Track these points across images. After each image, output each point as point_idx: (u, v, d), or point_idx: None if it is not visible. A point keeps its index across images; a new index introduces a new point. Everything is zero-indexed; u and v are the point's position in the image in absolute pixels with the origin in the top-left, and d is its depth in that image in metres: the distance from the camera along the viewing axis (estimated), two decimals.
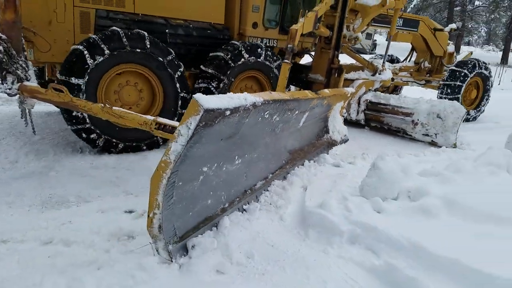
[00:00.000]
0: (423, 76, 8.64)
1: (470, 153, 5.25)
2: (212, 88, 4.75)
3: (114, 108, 3.40)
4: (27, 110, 3.88)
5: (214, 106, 2.13)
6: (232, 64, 4.81)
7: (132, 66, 4.25)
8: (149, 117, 3.37)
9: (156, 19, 4.72)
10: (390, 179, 3.15)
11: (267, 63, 5.17)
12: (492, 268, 2.22)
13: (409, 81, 8.67)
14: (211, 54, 4.95)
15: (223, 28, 5.23)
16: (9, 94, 3.62)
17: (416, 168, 3.79)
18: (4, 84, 3.60)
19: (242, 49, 4.91)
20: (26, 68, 3.66)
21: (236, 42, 5.03)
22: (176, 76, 4.48)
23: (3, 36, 3.56)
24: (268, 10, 5.42)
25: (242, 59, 4.91)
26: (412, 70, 8.67)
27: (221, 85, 4.76)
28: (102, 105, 3.42)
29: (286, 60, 4.27)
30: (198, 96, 2.10)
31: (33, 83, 3.67)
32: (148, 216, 2.19)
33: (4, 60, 3.56)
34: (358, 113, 6.42)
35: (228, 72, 4.81)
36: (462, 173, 3.56)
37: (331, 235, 2.74)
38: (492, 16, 36.28)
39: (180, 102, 4.59)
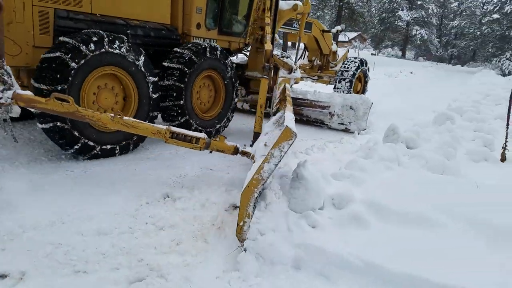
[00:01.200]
0: (315, 72, 10.08)
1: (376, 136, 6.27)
2: (178, 84, 4.92)
3: (124, 118, 3.47)
4: (8, 118, 3.49)
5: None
6: (197, 61, 5.02)
7: (110, 69, 4.20)
8: (161, 126, 3.58)
9: (116, 19, 4.66)
10: (316, 188, 3.05)
11: (222, 62, 5.54)
12: (446, 277, 2.26)
13: (304, 77, 10.00)
14: (176, 50, 5.08)
15: (173, 29, 5.41)
16: (1, 104, 3.24)
17: (328, 169, 4.02)
18: None
19: (207, 47, 5.19)
20: (9, 74, 3.34)
21: (199, 42, 5.28)
22: (150, 77, 4.57)
23: None
24: (209, 12, 5.76)
25: (205, 57, 5.18)
26: (307, 67, 10.05)
27: (186, 80, 4.97)
28: (112, 115, 3.44)
29: (265, 76, 4.82)
30: (290, 124, 2.59)
31: (27, 91, 3.37)
32: (238, 224, 2.58)
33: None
34: None
35: (193, 69, 5.02)
36: (367, 172, 3.82)
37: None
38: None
39: (152, 104, 4.68)
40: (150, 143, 4.97)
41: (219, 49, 5.43)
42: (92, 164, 4.12)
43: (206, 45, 5.23)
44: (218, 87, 5.68)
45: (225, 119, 5.84)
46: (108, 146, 4.29)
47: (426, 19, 45.57)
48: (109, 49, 4.05)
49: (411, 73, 25.52)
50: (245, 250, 2.55)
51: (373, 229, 2.81)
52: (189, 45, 5.15)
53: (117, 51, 4.13)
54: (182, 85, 4.94)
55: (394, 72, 23.97)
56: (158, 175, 3.99)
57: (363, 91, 9.86)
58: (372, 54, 47.32)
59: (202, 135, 3.69)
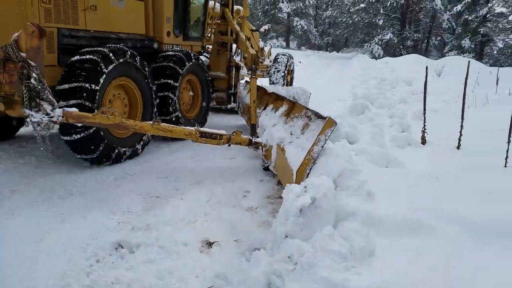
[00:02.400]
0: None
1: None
2: (172, 82, 5.39)
3: (161, 124, 3.93)
4: (46, 134, 3.58)
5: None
6: (186, 62, 5.58)
7: (125, 79, 4.53)
8: (191, 128, 4.13)
9: (109, 34, 4.87)
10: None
11: (201, 66, 6.14)
12: None
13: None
14: (167, 53, 5.59)
15: (152, 38, 5.72)
16: (54, 122, 3.37)
17: None
18: (40, 113, 3.32)
19: (190, 53, 5.80)
20: (51, 93, 3.48)
21: (182, 49, 5.81)
22: (154, 86, 5.01)
23: (33, 63, 3.28)
24: (175, 21, 6.19)
25: (191, 61, 5.76)
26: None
27: (180, 79, 5.48)
28: (151, 122, 3.87)
29: (254, 76, 5.57)
30: (331, 114, 3.40)
31: (73, 108, 3.54)
32: None
33: (38, 87, 3.30)
34: None
35: (185, 68, 5.56)
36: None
37: None
38: None
39: (155, 109, 5.06)
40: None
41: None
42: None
43: (189, 51, 5.75)
44: (196, 89, 6.19)
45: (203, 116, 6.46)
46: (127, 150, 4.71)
47: (303, 11, 49.67)
48: (129, 60, 4.44)
49: (300, 62, 27.88)
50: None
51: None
52: (177, 51, 5.66)
53: (135, 63, 4.46)
54: (176, 84, 5.46)
55: None
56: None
57: (291, 82, 11.06)
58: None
59: (223, 132, 4.29)
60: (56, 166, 4.40)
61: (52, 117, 3.37)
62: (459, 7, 28.00)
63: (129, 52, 4.56)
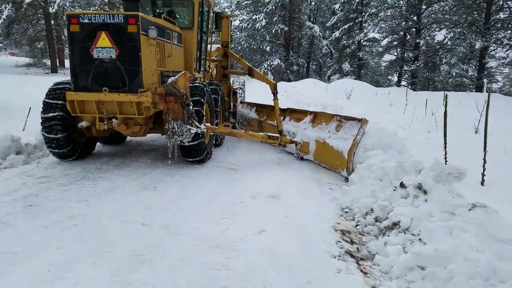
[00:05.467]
0: None
1: None
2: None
3: (249, 131, 5.70)
4: (176, 144, 5.10)
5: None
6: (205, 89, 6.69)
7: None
8: (262, 134, 6.14)
9: (172, 72, 6.04)
10: None
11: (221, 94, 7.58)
12: None
13: None
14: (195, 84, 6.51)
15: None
16: (202, 132, 5.29)
17: None
18: (194, 126, 5.00)
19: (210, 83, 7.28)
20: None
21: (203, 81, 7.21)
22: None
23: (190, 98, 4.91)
24: (196, 59, 7.51)
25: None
26: None
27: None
28: (244, 131, 5.50)
29: (276, 98, 7.50)
30: (366, 115, 5.45)
31: (207, 124, 5.60)
32: (347, 166, 5.44)
33: (192, 111, 4.98)
34: None
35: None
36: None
37: None
38: None
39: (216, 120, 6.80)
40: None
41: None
42: None
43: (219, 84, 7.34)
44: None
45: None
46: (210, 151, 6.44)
47: None
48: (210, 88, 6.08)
49: None
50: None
51: None
52: (213, 84, 7.14)
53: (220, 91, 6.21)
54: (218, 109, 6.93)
55: None
56: None
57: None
58: None
59: (278, 135, 6.71)
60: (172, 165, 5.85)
61: (201, 129, 5.13)
62: (337, 33, 33.22)
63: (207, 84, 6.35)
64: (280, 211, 4.04)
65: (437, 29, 27.13)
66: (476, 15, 25.81)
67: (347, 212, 4.23)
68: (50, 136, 5.40)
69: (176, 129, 4.80)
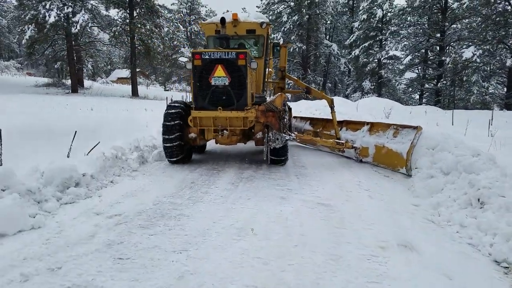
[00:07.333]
0: None
1: None
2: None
3: (322, 139, 7.57)
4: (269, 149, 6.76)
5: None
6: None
7: None
8: (331, 140, 7.04)
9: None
10: None
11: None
12: None
13: None
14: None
15: (262, 96, 7.45)
16: (293, 139, 6.85)
17: None
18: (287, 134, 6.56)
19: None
20: None
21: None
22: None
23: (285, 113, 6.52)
24: (262, 83, 8.08)
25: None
26: None
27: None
28: (319, 138, 6.62)
29: (334, 111, 8.45)
30: (420, 125, 5.30)
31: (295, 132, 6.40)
32: (407, 165, 6.11)
33: (287, 123, 6.53)
34: None
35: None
36: None
37: None
38: None
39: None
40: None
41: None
42: None
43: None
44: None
45: None
46: None
47: None
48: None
49: None
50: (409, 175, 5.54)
51: None
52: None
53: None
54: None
55: None
56: None
57: None
58: (166, 90, 50.10)
59: (343, 141, 7.58)
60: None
61: (292, 136, 6.69)
62: (356, 51, 32.91)
63: None
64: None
65: (464, 46, 26.51)
66: (503, 32, 25.21)
67: None
68: (168, 144, 6.77)
69: (271, 137, 6.40)
